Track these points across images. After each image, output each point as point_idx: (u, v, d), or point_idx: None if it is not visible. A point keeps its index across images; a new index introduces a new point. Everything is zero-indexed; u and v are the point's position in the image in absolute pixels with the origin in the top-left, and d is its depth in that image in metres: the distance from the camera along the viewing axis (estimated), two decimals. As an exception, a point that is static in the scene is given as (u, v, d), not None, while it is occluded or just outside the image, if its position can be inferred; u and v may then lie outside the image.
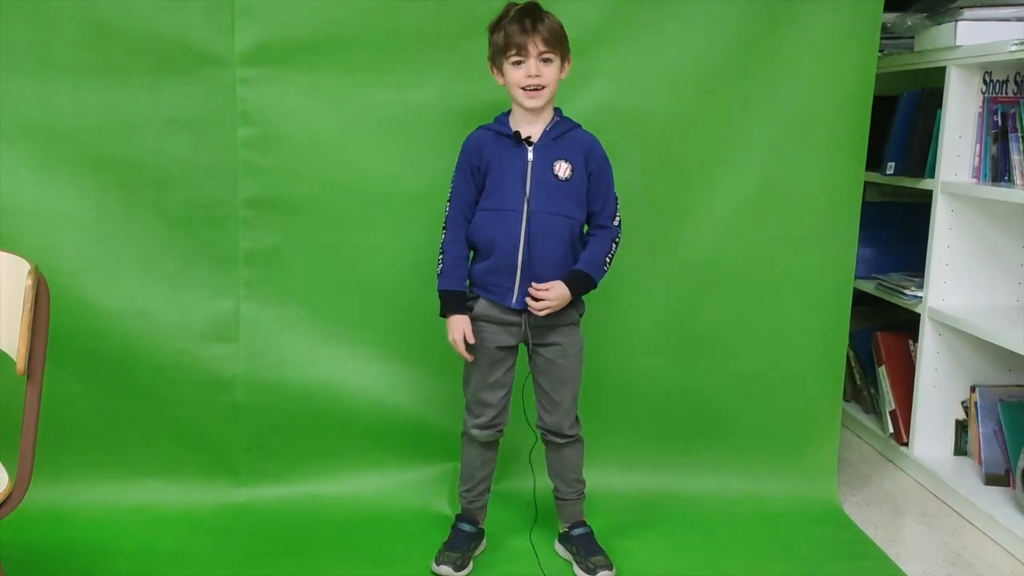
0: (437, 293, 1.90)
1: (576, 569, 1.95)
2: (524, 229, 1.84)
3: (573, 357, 1.94)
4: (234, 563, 1.96)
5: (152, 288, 2.14)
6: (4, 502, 1.35)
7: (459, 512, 2.06)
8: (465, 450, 2.01)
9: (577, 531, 2.00)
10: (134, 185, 2.10)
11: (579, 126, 1.91)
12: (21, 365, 1.34)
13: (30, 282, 1.34)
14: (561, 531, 2.04)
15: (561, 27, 1.84)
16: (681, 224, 2.24)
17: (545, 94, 1.82)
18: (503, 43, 1.81)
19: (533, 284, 1.85)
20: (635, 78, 2.16)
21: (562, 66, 1.85)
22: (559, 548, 2.04)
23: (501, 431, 1.98)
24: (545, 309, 1.84)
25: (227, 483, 2.21)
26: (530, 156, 1.85)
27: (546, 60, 1.81)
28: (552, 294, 1.84)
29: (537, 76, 1.80)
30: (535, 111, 1.84)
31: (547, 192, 1.85)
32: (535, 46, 1.79)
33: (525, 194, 1.84)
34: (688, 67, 2.16)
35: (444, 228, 1.92)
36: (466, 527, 2.01)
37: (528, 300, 1.85)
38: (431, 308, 2.05)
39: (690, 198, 2.23)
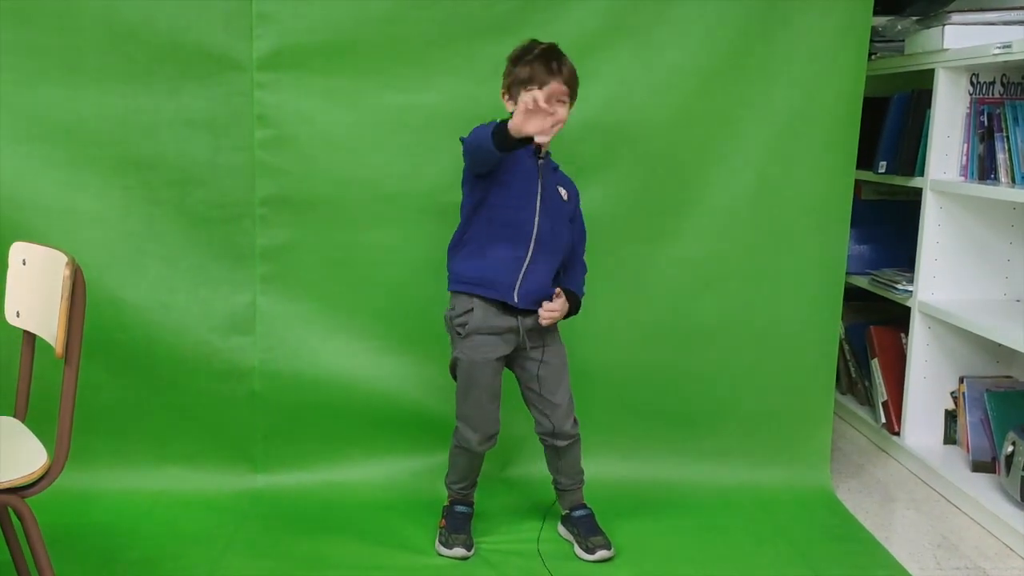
0: (494, 136, 1.75)
1: (576, 549, 2.04)
2: (535, 232, 1.92)
3: (562, 357, 2.03)
4: (251, 545, 2.05)
5: (174, 283, 2.24)
6: (43, 476, 1.46)
7: (449, 499, 2.12)
8: (461, 458, 2.05)
9: (578, 513, 2.09)
10: (156, 184, 2.21)
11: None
12: (60, 349, 1.44)
13: (67, 272, 1.44)
14: (563, 514, 2.13)
15: (576, 72, 1.95)
16: (679, 221, 2.33)
17: (556, 131, 1.84)
18: (527, 77, 1.88)
19: (544, 304, 1.94)
20: (635, 81, 2.25)
21: (570, 106, 1.95)
22: (561, 530, 2.13)
23: (496, 440, 2.04)
24: (550, 319, 1.95)
25: (244, 469, 2.31)
26: (539, 174, 1.95)
27: (562, 102, 1.91)
28: (558, 305, 1.95)
29: (553, 114, 1.82)
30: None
31: (554, 205, 1.96)
32: (558, 87, 1.88)
33: (536, 200, 1.93)
34: (685, 70, 2.26)
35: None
36: (463, 509, 2.10)
37: (540, 311, 1.94)
38: (439, 302, 2.15)
39: (688, 196, 2.32)
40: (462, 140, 1.92)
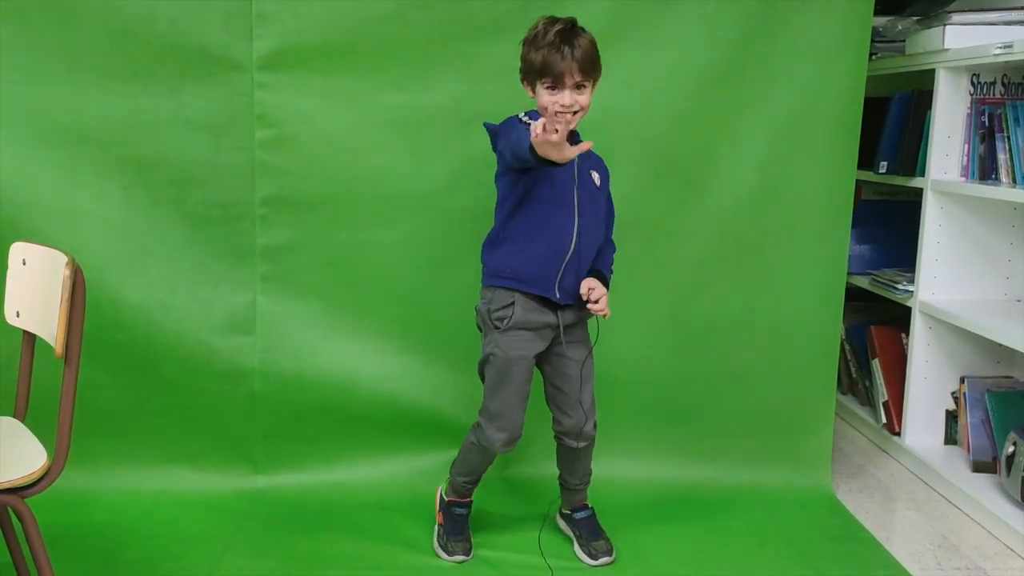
0: (531, 152, 1.66)
1: (578, 551, 2.04)
2: (576, 225, 1.86)
3: (590, 352, 1.97)
4: (251, 545, 2.05)
5: (173, 283, 2.24)
6: (43, 476, 1.45)
7: (448, 497, 2.08)
8: (476, 455, 1.99)
9: (580, 514, 2.08)
10: (157, 184, 2.21)
11: None
12: (60, 349, 1.44)
13: (67, 272, 1.44)
14: (564, 512, 2.12)
15: (595, 47, 1.81)
16: (680, 221, 2.32)
17: (579, 118, 1.82)
18: (539, 67, 1.78)
19: (592, 297, 1.83)
20: (636, 80, 2.25)
21: (594, 85, 1.84)
22: (561, 524, 2.13)
23: (517, 444, 1.98)
24: (604, 303, 1.85)
25: (245, 470, 2.31)
26: (575, 162, 1.87)
27: (581, 87, 1.80)
28: (604, 291, 1.87)
29: (571, 106, 1.79)
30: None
31: (590, 195, 1.91)
32: (571, 76, 1.76)
33: (575, 194, 1.87)
34: (686, 70, 2.25)
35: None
36: (461, 510, 2.07)
37: (590, 305, 1.85)
38: (440, 301, 2.16)
39: (688, 196, 2.32)
40: (486, 126, 1.85)
